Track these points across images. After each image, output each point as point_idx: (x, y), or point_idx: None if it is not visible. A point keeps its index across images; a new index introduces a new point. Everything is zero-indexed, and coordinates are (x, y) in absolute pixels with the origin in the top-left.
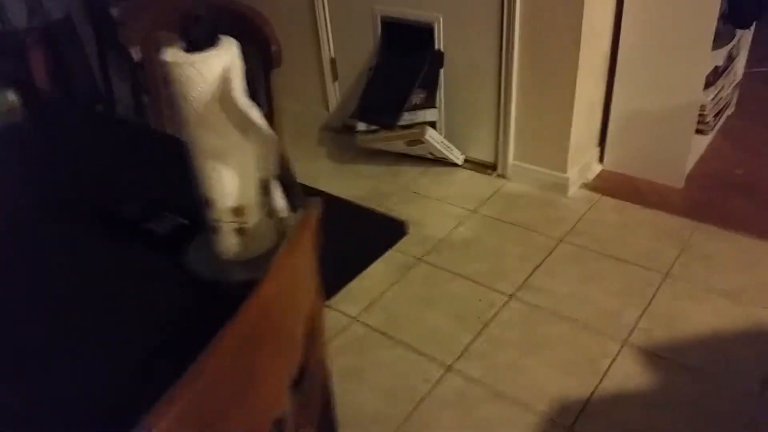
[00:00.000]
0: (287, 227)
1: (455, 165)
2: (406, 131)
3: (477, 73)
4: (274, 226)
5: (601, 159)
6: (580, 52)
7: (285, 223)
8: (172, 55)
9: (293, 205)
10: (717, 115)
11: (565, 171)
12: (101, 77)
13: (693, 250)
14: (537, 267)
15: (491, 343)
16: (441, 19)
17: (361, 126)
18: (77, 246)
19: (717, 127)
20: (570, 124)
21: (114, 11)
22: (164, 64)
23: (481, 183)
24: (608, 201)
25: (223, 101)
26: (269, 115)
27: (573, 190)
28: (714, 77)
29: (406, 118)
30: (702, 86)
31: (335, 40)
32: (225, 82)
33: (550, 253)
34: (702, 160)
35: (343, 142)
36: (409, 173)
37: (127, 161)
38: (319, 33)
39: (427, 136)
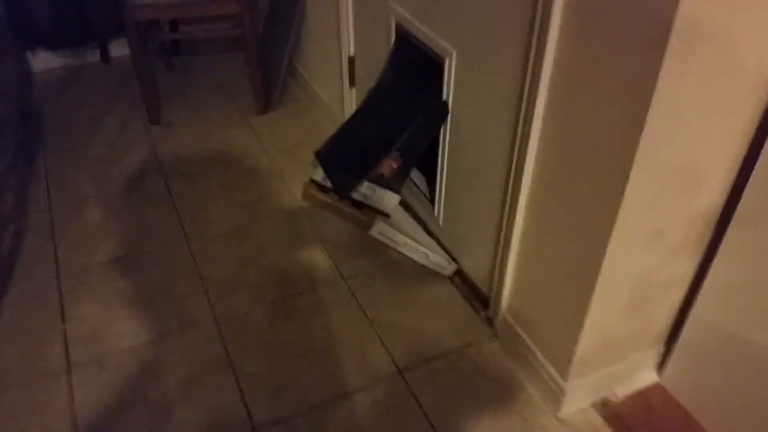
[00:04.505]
0: None
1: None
2: (354, 210)
3: (486, 151)
4: None
5: (661, 367)
6: (625, 195)
7: None
8: None
9: None
10: None
11: (565, 376)
12: None
13: None
14: None
15: None
16: (454, 56)
17: (319, 174)
18: None
19: None
20: (587, 303)
21: None
22: None
23: (457, 321)
24: None
25: None
26: None
27: (572, 408)
28: None
29: (363, 191)
30: None
31: (357, 34)
32: None
33: None
34: None
35: None
36: (380, 257)
37: None
38: (340, 21)
39: (374, 232)
